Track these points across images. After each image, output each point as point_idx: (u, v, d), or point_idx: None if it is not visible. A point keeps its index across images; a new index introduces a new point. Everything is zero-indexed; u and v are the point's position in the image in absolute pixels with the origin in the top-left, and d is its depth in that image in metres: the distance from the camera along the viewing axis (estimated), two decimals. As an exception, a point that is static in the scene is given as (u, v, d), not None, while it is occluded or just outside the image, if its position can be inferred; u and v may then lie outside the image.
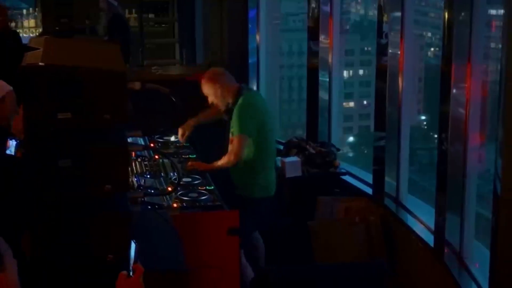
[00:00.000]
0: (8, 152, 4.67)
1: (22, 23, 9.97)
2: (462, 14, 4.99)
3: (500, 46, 4.36)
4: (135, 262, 2.87)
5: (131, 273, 2.81)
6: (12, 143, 4.67)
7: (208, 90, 5.49)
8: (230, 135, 5.53)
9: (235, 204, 5.22)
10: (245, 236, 5.30)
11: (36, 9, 10.58)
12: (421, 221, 5.84)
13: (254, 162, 5.50)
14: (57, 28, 5.65)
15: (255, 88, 8.29)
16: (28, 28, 10.21)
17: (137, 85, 4.47)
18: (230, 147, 5.47)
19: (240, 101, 5.47)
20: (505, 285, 4.18)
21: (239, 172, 5.53)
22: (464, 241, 5.18)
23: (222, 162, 5.43)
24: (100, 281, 3.51)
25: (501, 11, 4.69)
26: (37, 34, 9.38)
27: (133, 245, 2.97)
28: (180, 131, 5.84)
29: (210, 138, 5.89)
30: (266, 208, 5.59)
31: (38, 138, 3.67)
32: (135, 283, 2.78)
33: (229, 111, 5.53)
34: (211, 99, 5.52)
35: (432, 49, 13.19)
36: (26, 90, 3.67)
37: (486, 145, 5.25)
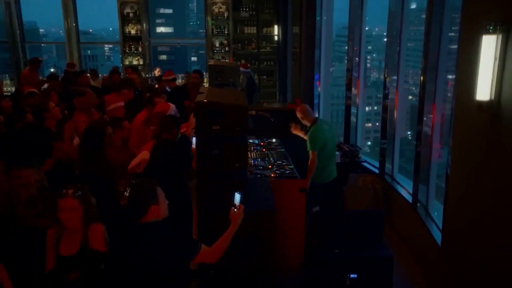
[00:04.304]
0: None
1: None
2: (432, 74, 4.76)
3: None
4: (240, 203, 2.89)
5: (235, 210, 2.86)
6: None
7: (300, 114, 5.22)
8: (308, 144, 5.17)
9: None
10: (313, 202, 5.05)
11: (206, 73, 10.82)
12: (405, 189, 5.66)
13: (320, 163, 5.10)
14: (216, 83, 5.76)
15: (316, 115, 8.14)
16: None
17: (253, 112, 4.51)
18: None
19: (312, 128, 5.12)
20: (452, 227, 4.00)
21: (317, 170, 5.09)
22: (429, 200, 5.01)
23: (310, 170, 5.00)
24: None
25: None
26: (206, 86, 9.63)
27: (238, 195, 2.92)
28: (293, 126, 5.43)
29: (295, 141, 5.76)
30: (323, 188, 5.26)
31: (203, 139, 3.77)
32: (239, 214, 2.83)
33: (307, 130, 5.23)
34: (301, 119, 5.25)
35: (412, 96, 12.62)
36: (198, 115, 3.75)
37: (443, 148, 5.05)
